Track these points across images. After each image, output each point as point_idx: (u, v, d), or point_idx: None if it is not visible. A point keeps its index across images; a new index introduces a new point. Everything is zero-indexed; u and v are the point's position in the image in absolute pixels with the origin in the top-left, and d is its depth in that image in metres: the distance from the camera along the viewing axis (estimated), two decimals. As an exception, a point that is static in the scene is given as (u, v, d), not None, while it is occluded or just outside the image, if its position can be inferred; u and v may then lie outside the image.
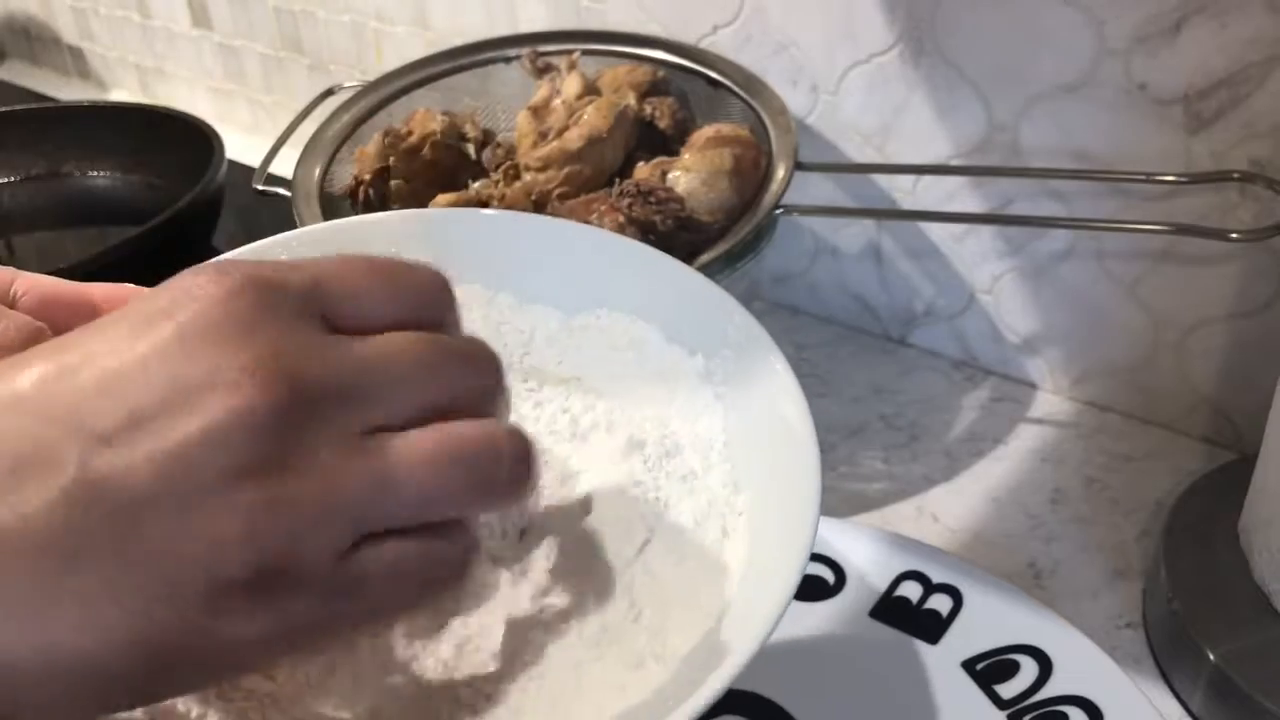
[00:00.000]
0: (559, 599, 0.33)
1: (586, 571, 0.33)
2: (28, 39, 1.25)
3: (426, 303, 0.29)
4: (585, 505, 0.35)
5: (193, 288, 0.25)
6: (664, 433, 0.37)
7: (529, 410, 0.38)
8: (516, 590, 0.32)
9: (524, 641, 0.32)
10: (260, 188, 0.63)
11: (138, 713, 0.29)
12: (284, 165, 0.63)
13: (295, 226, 0.59)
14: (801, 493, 0.32)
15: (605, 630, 0.32)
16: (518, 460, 0.28)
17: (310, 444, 0.25)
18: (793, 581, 0.30)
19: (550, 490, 0.35)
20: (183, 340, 0.25)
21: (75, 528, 0.23)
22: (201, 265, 0.27)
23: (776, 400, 0.35)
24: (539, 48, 0.66)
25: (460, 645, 0.31)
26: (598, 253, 0.41)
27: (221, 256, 0.30)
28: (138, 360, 0.24)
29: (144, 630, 0.24)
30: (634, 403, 0.38)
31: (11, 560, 0.23)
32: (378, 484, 0.26)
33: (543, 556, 0.33)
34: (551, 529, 0.34)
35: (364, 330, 0.27)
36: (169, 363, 0.24)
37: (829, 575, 0.51)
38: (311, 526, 0.25)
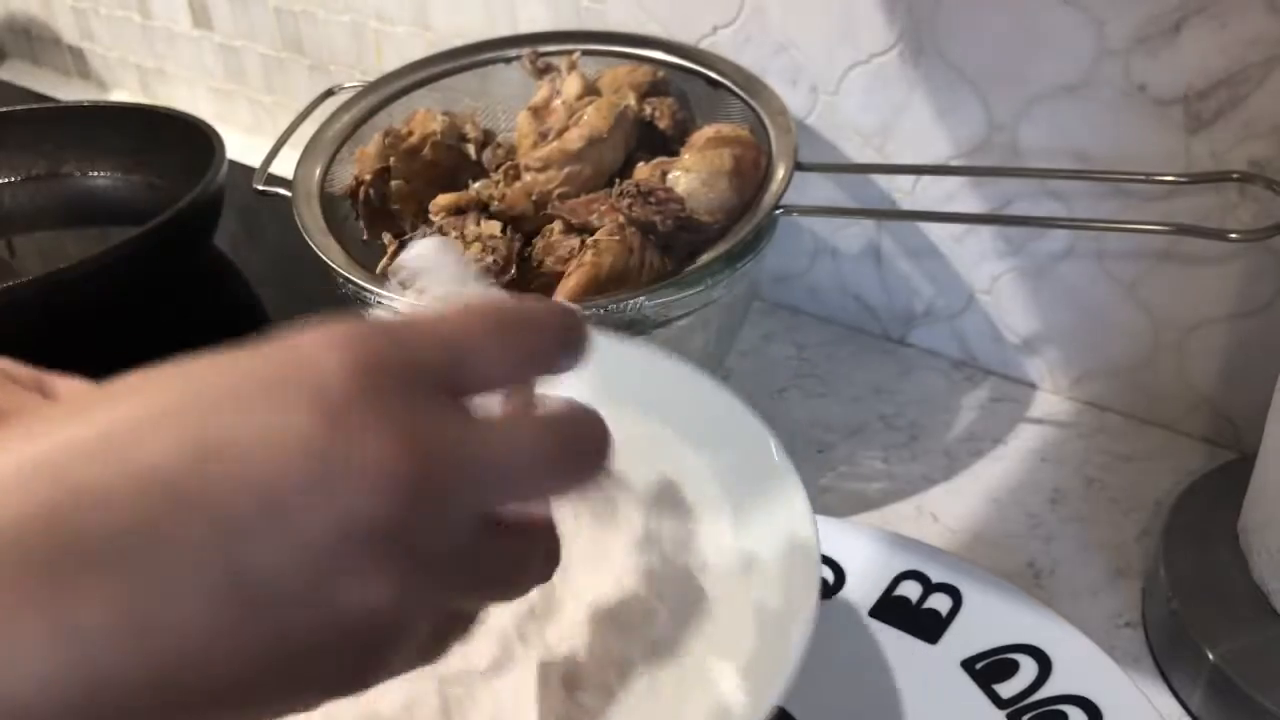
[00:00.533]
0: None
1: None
2: (28, 39, 1.25)
3: (548, 354, 0.29)
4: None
5: (319, 359, 0.24)
6: (684, 527, 0.40)
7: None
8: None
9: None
10: (261, 188, 0.63)
11: None
12: (284, 165, 0.64)
13: (296, 226, 0.59)
14: (804, 572, 0.36)
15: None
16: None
17: (440, 527, 0.25)
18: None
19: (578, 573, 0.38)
20: (319, 421, 0.23)
21: (225, 630, 0.23)
22: (326, 329, 0.25)
23: (778, 495, 0.39)
24: (539, 48, 0.66)
25: None
26: (628, 362, 0.44)
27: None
28: (265, 439, 0.23)
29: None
30: (657, 501, 0.41)
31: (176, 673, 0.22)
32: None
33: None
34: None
35: (488, 387, 0.27)
36: (304, 445, 0.23)
37: (829, 575, 0.52)
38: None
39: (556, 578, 0.31)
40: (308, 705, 0.25)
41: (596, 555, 0.39)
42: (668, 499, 0.41)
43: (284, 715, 0.25)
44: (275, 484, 0.23)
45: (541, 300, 0.30)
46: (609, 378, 0.39)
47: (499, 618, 0.37)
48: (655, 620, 0.37)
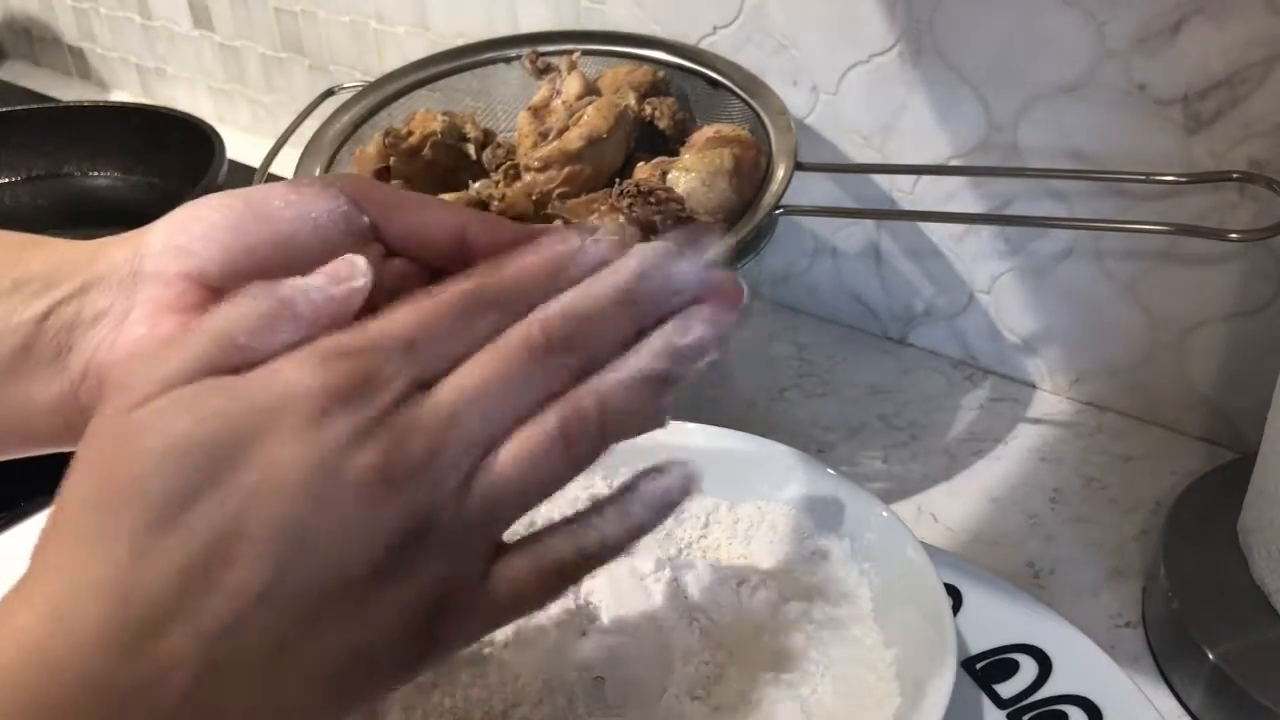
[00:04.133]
0: None
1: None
2: (29, 39, 1.25)
3: (513, 310, 0.30)
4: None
5: (291, 389, 0.27)
6: (822, 597, 0.45)
7: (707, 574, 0.45)
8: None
9: None
10: (261, 188, 0.63)
11: None
12: (284, 165, 0.64)
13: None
14: (941, 646, 0.40)
15: None
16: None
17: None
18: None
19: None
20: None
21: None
22: (300, 355, 0.28)
23: (914, 576, 0.43)
24: (539, 48, 0.66)
25: None
26: (754, 453, 0.50)
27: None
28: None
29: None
30: (793, 575, 0.46)
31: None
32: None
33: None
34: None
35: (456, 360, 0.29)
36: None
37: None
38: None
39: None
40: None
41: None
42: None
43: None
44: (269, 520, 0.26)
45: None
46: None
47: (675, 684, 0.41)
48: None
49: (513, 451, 0.28)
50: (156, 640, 0.25)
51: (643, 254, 0.31)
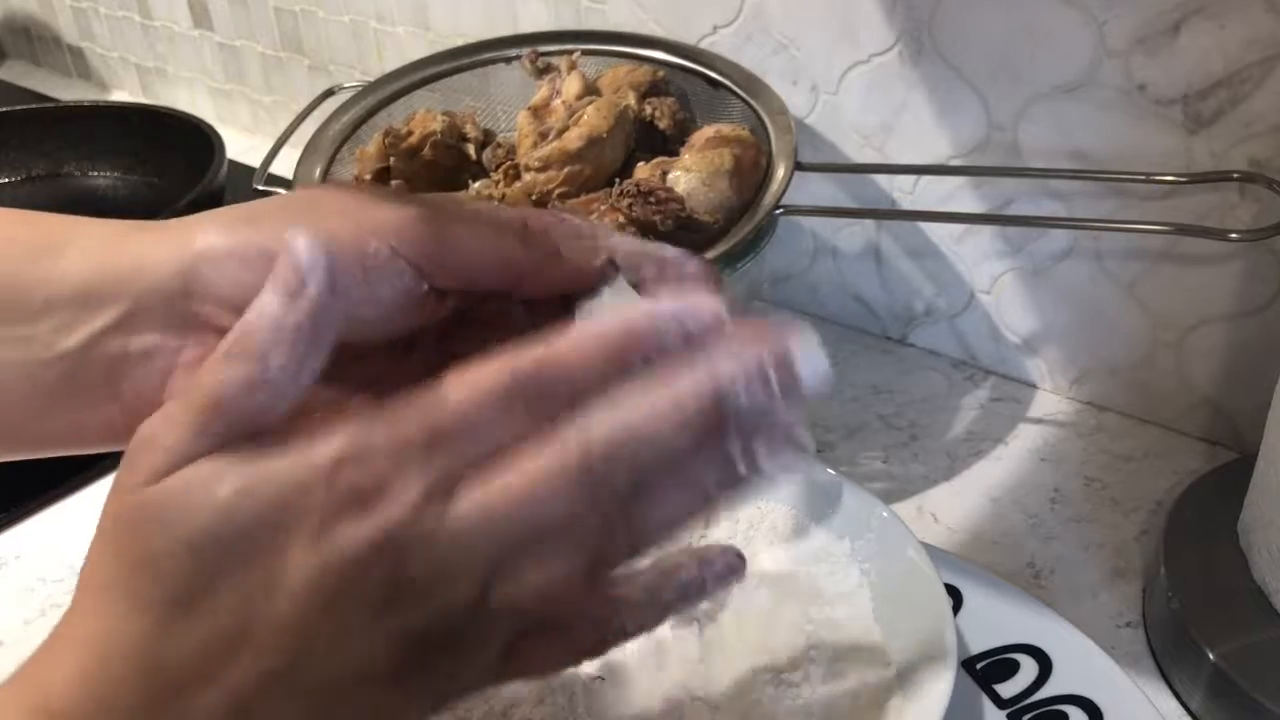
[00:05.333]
0: None
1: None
2: (28, 39, 1.25)
3: (552, 409, 0.27)
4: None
5: (303, 498, 0.26)
6: (822, 598, 0.45)
7: None
8: None
9: None
10: (261, 188, 0.63)
11: None
12: (284, 165, 0.64)
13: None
14: (941, 646, 0.40)
15: None
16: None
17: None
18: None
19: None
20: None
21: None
22: (315, 454, 0.26)
23: (914, 576, 0.44)
24: (539, 48, 0.66)
25: None
26: None
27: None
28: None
29: None
30: (793, 575, 0.46)
31: None
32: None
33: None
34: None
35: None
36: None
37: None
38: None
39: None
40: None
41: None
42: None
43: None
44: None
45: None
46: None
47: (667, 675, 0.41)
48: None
49: (534, 581, 0.27)
50: (187, 702, 0.26)
51: (730, 365, 0.27)
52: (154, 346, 0.31)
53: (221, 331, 0.28)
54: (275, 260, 0.27)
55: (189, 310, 0.30)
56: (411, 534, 0.26)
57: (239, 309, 0.28)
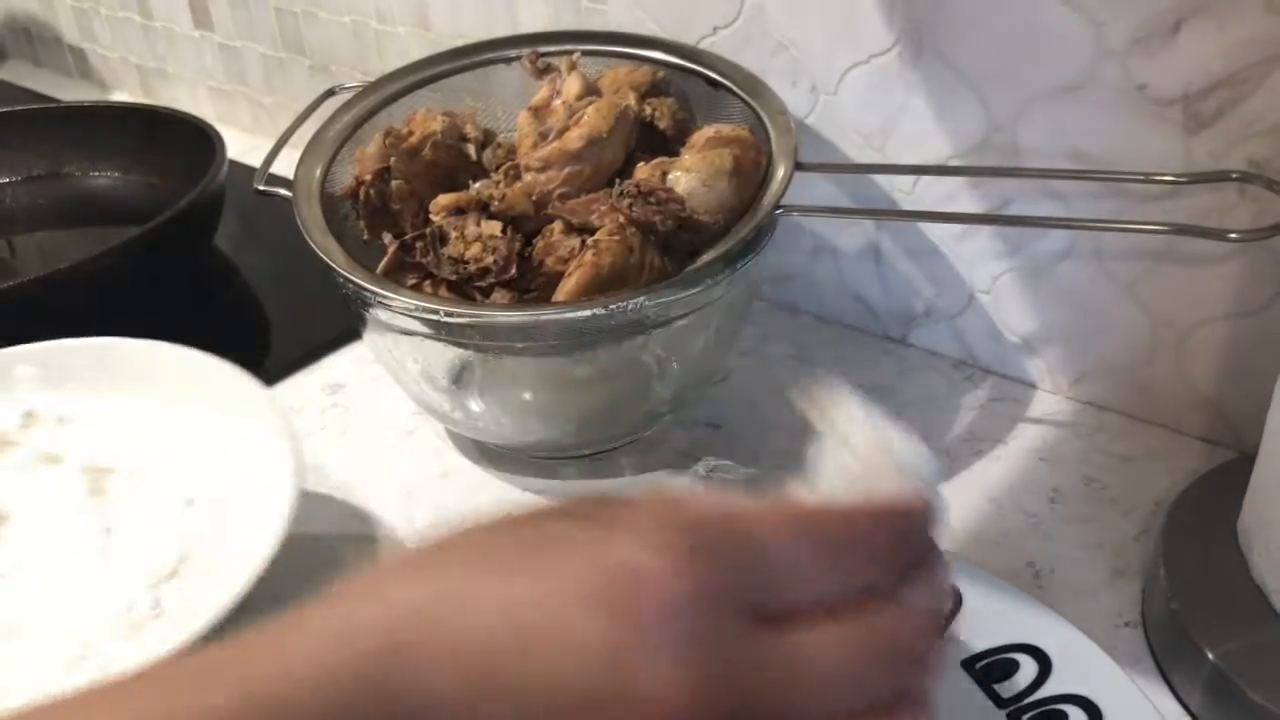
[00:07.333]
0: None
1: None
2: (29, 39, 1.25)
3: (872, 575, 0.28)
4: None
5: (641, 573, 0.26)
6: None
7: None
8: None
9: None
10: (261, 188, 0.63)
11: None
12: (285, 166, 0.64)
13: (296, 226, 0.59)
14: None
15: None
16: None
17: None
18: None
19: None
20: (625, 639, 0.25)
21: None
22: (646, 528, 0.26)
23: None
24: (539, 48, 0.66)
25: None
26: None
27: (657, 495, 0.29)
28: (572, 646, 0.25)
29: None
30: None
31: None
32: None
33: None
34: None
35: (797, 609, 0.27)
36: (603, 660, 0.25)
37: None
38: None
39: None
40: None
41: None
42: None
43: None
44: (567, 692, 0.25)
45: (885, 507, 0.30)
46: None
47: None
48: None
49: None
50: None
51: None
52: None
53: None
54: None
55: None
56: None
57: None
